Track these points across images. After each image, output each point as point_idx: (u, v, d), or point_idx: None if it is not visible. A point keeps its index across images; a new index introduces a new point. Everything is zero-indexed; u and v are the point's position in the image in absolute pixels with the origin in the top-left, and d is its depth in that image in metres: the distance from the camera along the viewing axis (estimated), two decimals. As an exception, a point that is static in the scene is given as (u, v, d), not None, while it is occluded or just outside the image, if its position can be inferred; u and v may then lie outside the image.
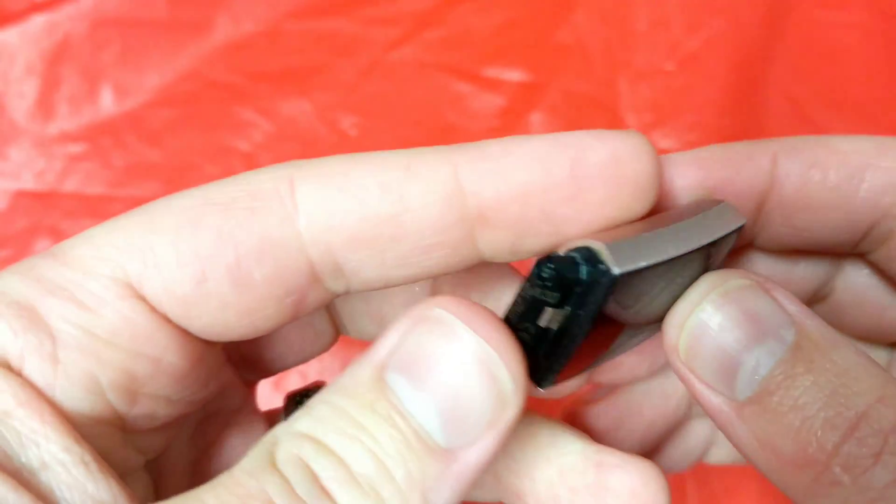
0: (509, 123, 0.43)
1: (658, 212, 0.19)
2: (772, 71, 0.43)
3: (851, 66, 0.42)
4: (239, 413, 0.25)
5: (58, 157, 0.42)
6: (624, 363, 0.24)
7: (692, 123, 0.42)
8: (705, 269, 0.19)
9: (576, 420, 0.26)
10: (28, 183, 0.42)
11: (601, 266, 0.16)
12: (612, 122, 0.43)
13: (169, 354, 0.18)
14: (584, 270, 0.16)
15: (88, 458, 0.17)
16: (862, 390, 0.16)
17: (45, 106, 0.43)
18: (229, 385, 0.24)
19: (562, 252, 0.17)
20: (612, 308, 0.17)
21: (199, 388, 0.20)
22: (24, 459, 0.16)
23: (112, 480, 0.17)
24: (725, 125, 0.42)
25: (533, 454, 0.22)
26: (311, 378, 0.38)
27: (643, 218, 0.18)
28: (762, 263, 0.23)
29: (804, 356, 0.17)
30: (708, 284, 0.18)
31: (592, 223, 0.18)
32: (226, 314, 0.18)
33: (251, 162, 0.42)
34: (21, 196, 0.42)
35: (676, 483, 0.38)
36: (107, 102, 0.43)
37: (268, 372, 0.25)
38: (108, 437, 0.18)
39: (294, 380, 0.37)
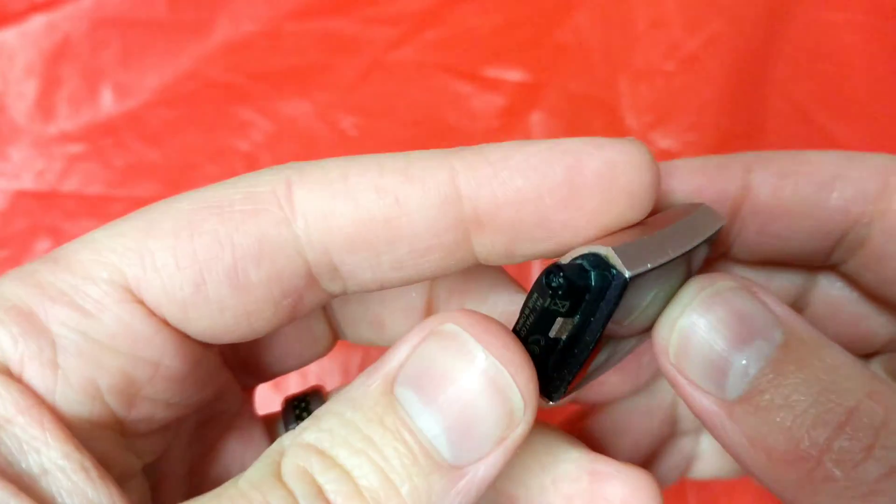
0: (509, 123, 0.43)
1: None
2: (772, 71, 0.43)
3: (852, 66, 0.42)
4: (237, 417, 0.25)
5: (58, 157, 0.42)
6: (607, 382, 0.25)
7: (692, 123, 0.42)
8: (688, 273, 0.19)
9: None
10: (28, 183, 0.42)
11: (612, 270, 0.16)
12: (612, 122, 0.43)
13: (167, 358, 0.19)
14: (594, 276, 0.16)
15: (88, 463, 0.17)
16: (851, 387, 0.17)
17: (45, 106, 0.43)
18: (227, 389, 0.24)
19: (567, 260, 0.17)
20: (619, 313, 0.17)
21: (196, 391, 0.21)
22: (24, 466, 0.16)
23: (111, 486, 0.17)
24: (725, 125, 0.42)
25: (528, 461, 0.22)
26: (312, 381, 0.38)
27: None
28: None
29: (793, 355, 0.17)
30: (696, 287, 0.18)
31: (588, 230, 0.18)
32: (224, 316, 0.18)
33: (251, 162, 0.42)
34: (21, 196, 0.42)
35: (676, 484, 0.38)
36: (107, 102, 0.43)
37: (266, 376, 0.26)
38: (106, 441, 0.18)
39: (295, 383, 0.37)
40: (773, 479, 0.17)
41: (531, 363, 0.17)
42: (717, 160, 0.22)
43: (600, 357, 0.19)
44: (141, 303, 0.18)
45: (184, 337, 0.19)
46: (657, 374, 0.26)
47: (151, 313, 0.18)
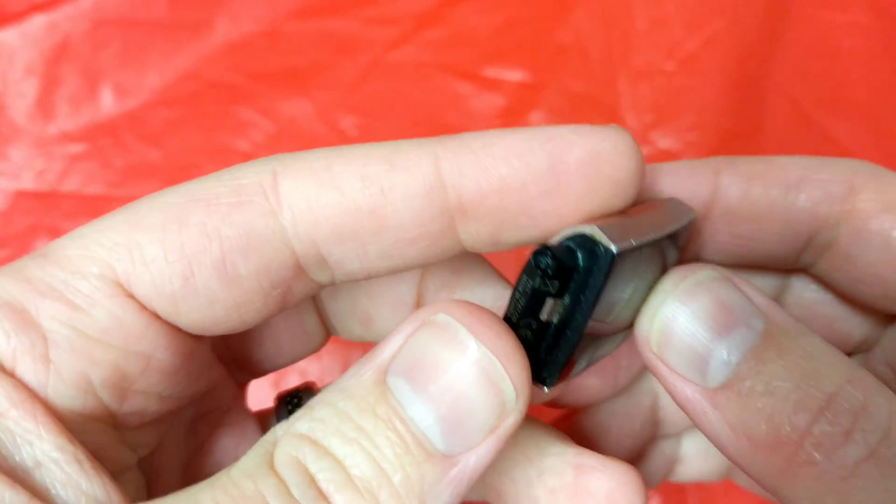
0: (509, 123, 0.43)
1: None
2: (772, 71, 0.43)
3: (851, 66, 0.42)
4: (231, 413, 0.25)
5: (58, 157, 0.42)
6: (586, 385, 0.25)
7: (692, 123, 0.42)
8: (664, 269, 0.19)
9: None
10: (28, 183, 0.42)
11: (600, 247, 0.16)
12: (612, 121, 0.43)
13: (159, 351, 0.19)
14: (582, 253, 0.17)
15: (81, 455, 0.17)
16: (831, 373, 0.17)
17: (45, 106, 0.43)
18: (220, 385, 0.24)
19: (556, 240, 0.17)
20: (605, 297, 0.17)
21: (188, 384, 0.21)
22: (18, 458, 0.16)
23: (105, 477, 0.17)
24: (725, 125, 0.42)
25: (514, 454, 0.22)
26: (312, 378, 0.38)
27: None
28: None
29: (774, 343, 0.17)
30: (677, 277, 0.19)
31: (572, 217, 0.18)
32: (214, 308, 0.18)
33: (251, 162, 0.42)
34: (21, 196, 0.42)
35: (676, 485, 0.38)
36: (107, 102, 0.43)
37: (259, 372, 0.26)
38: (100, 435, 0.18)
39: (295, 381, 0.37)
40: (756, 466, 0.18)
41: (523, 353, 0.17)
42: (687, 164, 0.22)
43: (591, 351, 0.19)
44: (131, 297, 0.18)
45: (175, 330, 0.19)
46: (637, 376, 0.26)
47: (142, 307, 0.18)
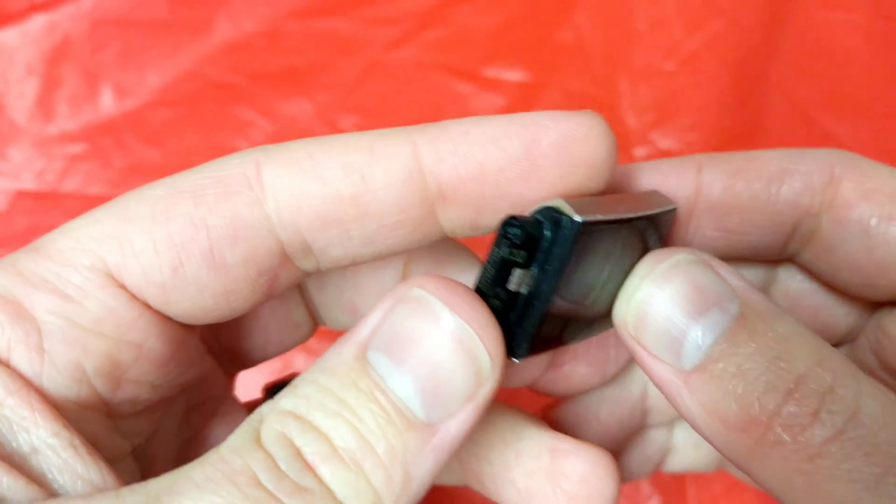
0: (509, 123, 0.43)
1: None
2: (772, 71, 0.43)
3: (851, 66, 0.42)
4: (223, 403, 0.26)
5: (58, 157, 0.42)
6: (575, 373, 0.25)
7: (692, 123, 0.42)
8: (644, 254, 0.20)
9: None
10: (28, 183, 0.42)
11: (564, 218, 0.17)
12: (613, 121, 0.43)
13: (150, 340, 0.19)
14: (548, 224, 0.17)
15: (77, 441, 0.18)
16: (801, 355, 0.17)
17: (45, 106, 0.43)
18: (211, 375, 0.25)
19: (526, 214, 0.18)
20: (574, 274, 0.18)
21: (180, 373, 0.21)
22: (15, 445, 0.17)
23: (100, 462, 0.18)
24: (725, 125, 0.42)
25: (492, 439, 0.23)
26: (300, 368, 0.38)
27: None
28: None
29: (747, 325, 0.18)
30: (653, 260, 0.19)
31: (547, 199, 0.18)
32: (202, 297, 0.19)
33: (251, 162, 0.42)
34: (21, 196, 0.42)
35: (676, 483, 0.38)
36: (107, 102, 0.43)
37: (248, 363, 0.26)
38: (94, 423, 0.19)
39: (282, 371, 0.38)
40: (728, 446, 0.18)
41: (496, 322, 0.18)
42: (671, 161, 0.23)
43: (576, 332, 0.20)
44: (122, 287, 0.19)
45: (165, 319, 0.20)
46: (626, 365, 0.26)
47: (133, 297, 0.19)
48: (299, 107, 0.44)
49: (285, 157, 0.19)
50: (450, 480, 0.25)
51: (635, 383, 0.27)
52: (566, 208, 0.17)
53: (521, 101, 0.44)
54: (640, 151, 0.43)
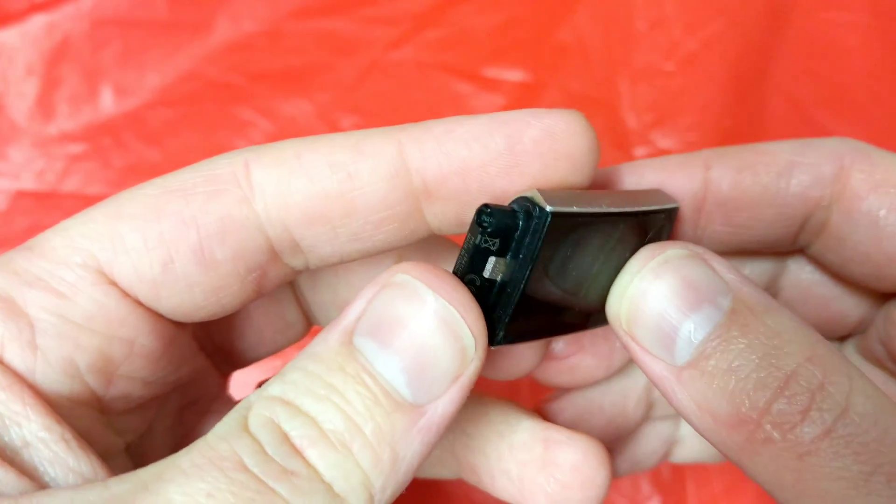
0: (509, 123, 0.43)
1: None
2: (772, 71, 0.43)
3: (851, 66, 0.42)
4: (216, 401, 0.26)
5: (58, 157, 0.42)
6: (581, 366, 0.26)
7: (692, 123, 0.43)
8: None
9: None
10: (28, 183, 0.42)
11: (536, 208, 0.17)
12: (613, 121, 0.43)
13: (142, 337, 0.20)
14: (520, 213, 0.18)
15: (68, 435, 0.18)
16: (792, 351, 0.17)
17: (45, 106, 0.43)
18: (205, 374, 0.25)
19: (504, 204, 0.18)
20: (553, 265, 0.18)
21: (172, 371, 0.22)
22: (7, 439, 0.17)
23: (92, 456, 0.18)
24: (725, 125, 0.43)
25: (486, 431, 0.24)
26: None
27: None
28: None
29: (739, 321, 0.18)
30: (647, 254, 0.19)
31: (525, 191, 0.19)
32: (193, 293, 0.19)
33: (251, 162, 0.42)
34: (21, 196, 0.42)
35: (676, 483, 0.38)
36: (107, 102, 0.43)
37: (242, 362, 0.27)
38: (87, 419, 0.19)
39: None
40: (721, 442, 0.18)
41: (477, 304, 0.18)
42: (677, 158, 0.23)
43: (557, 323, 0.20)
44: (114, 284, 0.19)
45: (157, 316, 0.20)
46: (630, 357, 0.26)
47: (124, 294, 0.19)
48: (299, 107, 0.44)
49: (274, 156, 0.19)
50: (445, 473, 0.25)
51: (640, 376, 0.27)
52: (538, 198, 0.18)
53: (521, 101, 0.44)
54: (640, 151, 0.43)
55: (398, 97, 0.44)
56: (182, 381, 0.23)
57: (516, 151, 0.19)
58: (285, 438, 0.16)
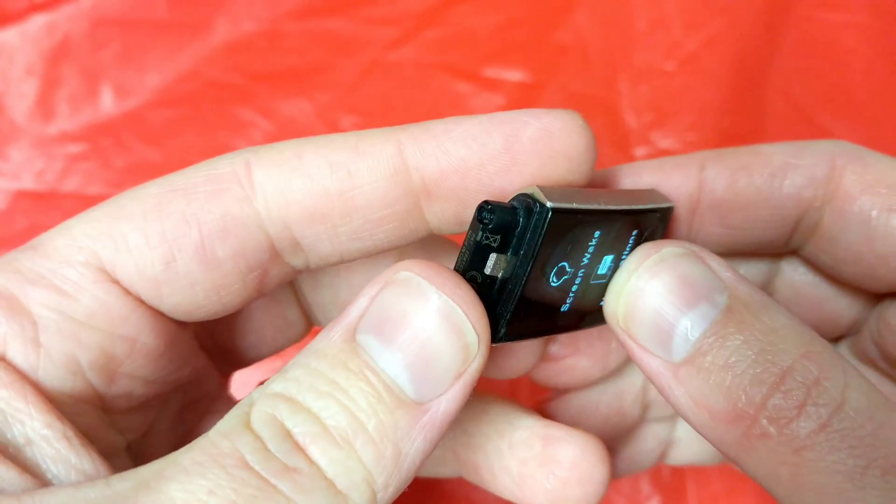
0: (509, 123, 0.43)
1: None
2: (772, 71, 0.43)
3: (851, 66, 0.43)
4: (217, 401, 0.26)
5: (58, 157, 0.42)
6: (577, 367, 0.26)
7: (692, 123, 0.43)
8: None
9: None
10: (28, 183, 0.42)
11: (536, 204, 0.18)
12: (613, 121, 0.43)
13: (144, 335, 0.20)
14: (521, 209, 0.18)
15: (70, 433, 0.18)
16: (788, 347, 0.18)
17: (45, 106, 0.43)
18: (206, 373, 0.25)
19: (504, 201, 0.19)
20: (553, 262, 0.18)
21: (173, 370, 0.22)
22: (9, 436, 0.17)
23: (94, 453, 0.18)
24: (725, 125, 0.43)
25: (486, 430, 0.24)
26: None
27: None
28: None
29: (735, 318, 0.18)
30: (644, 252, 0.20)
31: (525, 188, 0.19)
32: (194, 291, 0.20)
33: (251, 162, 0.42)
34: (21, 196, 0.42)
35: (676, 483, 0.38)
36: (107, 102, 0.43)
37: (243, 362, 0.27)
38: (89, 417, 0.20)
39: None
40: (716, 438, 0.18)
41: (480, 301, 0.18)
42: (673, 159, 0.23)
43: (557, 320, 0.20)
44: (116, 282, 0.19)
45: (158, 314, 0.20)
46: (626, 359, 0.27)
47: (126, 292, 0.19)
48: (299, 107, 0.44)
49: (274, 156, 0.19)
50: (445, 472, 0.26)
51: (636, 376, 0.27)
52: (539, 195, 0.18)
53: (521, 101, 0.44)
54: (640, 151, 0.43)
55: (398, 97, 0.44)
56: (183, 380, 0.23)
57: (514, 150, 0.19)
58: (288, 435, 0.16)
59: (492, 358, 0.22)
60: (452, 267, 0.18)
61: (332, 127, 0.44)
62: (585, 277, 0.20)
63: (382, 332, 0.17)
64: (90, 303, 0.19)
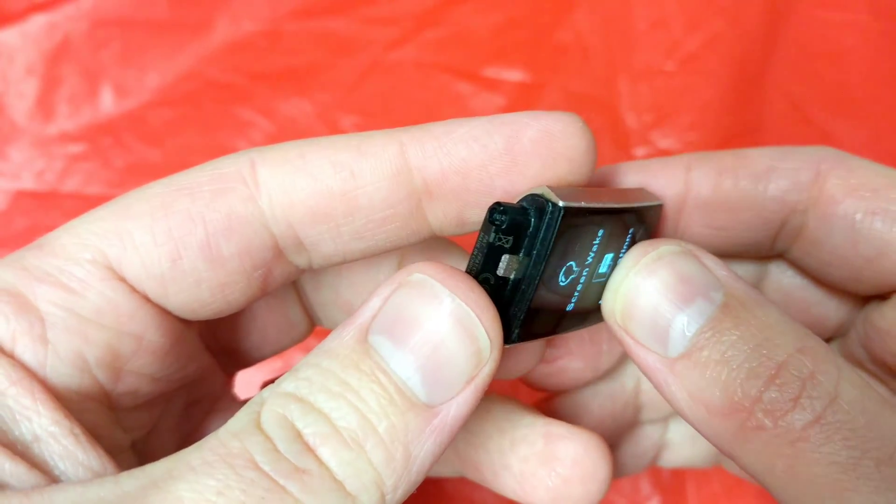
0: (509, 123, 0.43)
1: None
2: (772, 71, 0.43)
3: (851, 66, 0.43)
4: (220, 400, 0.26)
5: (58, 157, 0.42)
6: (569, 368, 0.26)
7: (692, 123, 0.43)
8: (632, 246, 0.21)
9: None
10: (28, 183, 0.42)
11: (549, 203, 0.18)
12: (613, 122, 0.43)
13: (150, 332, 0.20)
14: (532, 209, 0.18)
15: (77, 430, 0.18)
16: (783, 342, 0.18)
17: (45, 106, 0.43)
18: (210, 373, 0.25)
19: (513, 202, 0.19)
20: (562, 261, 0.19)
21: (179, 368, 0.22)
22: (17, 433, 0.18)
23: (101, 451, 0.18)
24: (725, 125, 0.43)
25: (488, 427, 0.24)
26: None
27: None
28: None
29: (731, 314, 0.18)
30: (641, 251, 0.20)
31: (534, 188, 0.19)
32: (200, 289, 0.20)
33: (251, 162, 0.42)
34: (21, 196, 0.42)
35: (676, 483, 0.38)
36: (107, 102, 0.43)
37: (246, 362, 0.27)
38: (96, 414, 0.20)
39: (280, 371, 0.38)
40: (712, 432, 0.19)
41: (493, 305, 0.18)
42: (660, 161, 0.24)
43: (561, 320, 0.21)
44: (122, 280, 0.19)
45: (164, 312, 0.20)
46: (619, 360, 0.27)
47: (132, 290, 0.20)
48: (299, 107, 0.44)
49: (278, 156, 0.20)
50: (446, 472, 0.26)
51: (628, 378, 0.28)
52: (550, 194, 0.18)
53: (521, 101, 0.44)
54: (640, 151, 0.43)
55: (398, 97, 0.44)
56: (188, 379, 0.23)
57: (515, 151, 0.19)
58: (298, 436, 0.16)
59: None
60: (464, 269, 0.18)
61: (333, 127, 0.44)
62: (589, 276, 0.20)
63: (395, 334, 0.17)
64: (97, 300, 0.19)
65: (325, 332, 0.27)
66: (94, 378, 0.19)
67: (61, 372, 0.19)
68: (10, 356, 0.18)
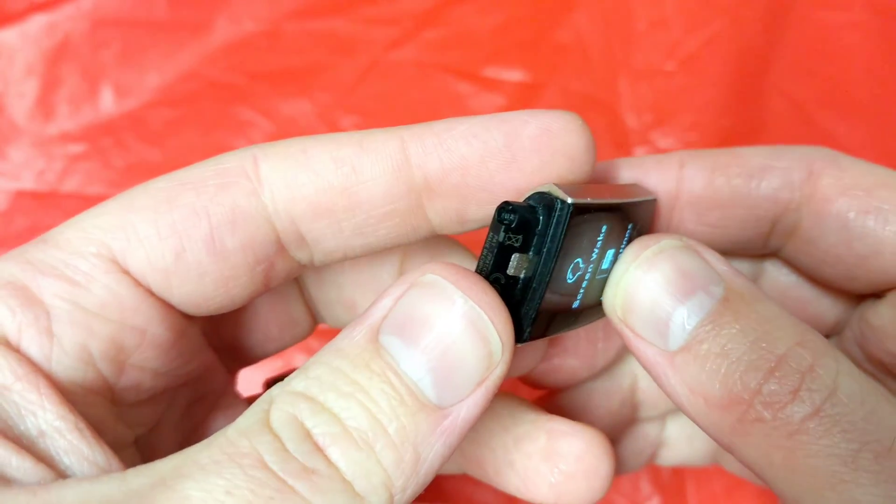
0: (509, 123, 0.43)
1: None
2: (772, 71, 0.43)
3: (851, 66, 0.43)
4: (223, 398, 0.26)
5: (58, 157, 0.43)
6: (565, 366, 0.26)
7: (692, 123, 0.43)
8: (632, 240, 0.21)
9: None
10: (28, 183, 0.42)
11: (557, 201, 0.18)
12: (613, 122, 0.43)
13: (153, 326, 0.20)
14: (541, 207, 0.18)
15: (82, 425, 0.18)
16: (782, 336, 0.18)
17: (45, 106, 0.43)
18: (212, 370, 0.25)
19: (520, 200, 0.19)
20: (570, 258, 0.19)
21: (182, 364, 0.22)
22: (23, 428, 0.18)
23: (105, 446, 0.19)
24: (725, 125, 0.43)
25: (490, 424, 0.24)
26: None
27: None
28: None
29: (731, 307, 0.19)
30: (641, 245, 0.20)
31: (528, 191, 0.19)
32: (203, 283, 0.20)
33: (251, 162, 0.42)
34: (21, 196, 0.42)
35: (676, 483, 0.38)
36: (107, 102, 0.43)
37: (249, 359, 0.27)
38: (99, 408, 0.20)
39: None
40: (711, 425, 0.19)
41: (506, 307, 0.18)
42: (654, 157, 0.24)
43: (567, 317, 0.21)
44: (127, 273, 0.20)
45: (168, 307, 0.21)
46: (615, 358, 0.27)
47: (137, 283, 0.20)
48: (299, 107, 0.44)
49: (280, 152, 0.20)
50: (449, 469, 0.26)
51: (625, 376, 0.28)
52: (558, 192, 0.18)
53: (521, 101, 0.44)
54: (640, 151, 0.43)
55: (398, 97, 0.44)
56: (191, 375, 0.23)
57: (514, 148, 0.19)
58: (307, 435, 0.16)
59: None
60: (472, 268, 0.19)
61: (333, 127, 0.44)
62: (593, 273, 0.20)
63: (406, 334, 0.17)
64: (102, 293, 0.19)
65: (327, 331, 0.27)
66: (98, 372, 0.20)
67: (66, 365, 0.19)
68: (17, 350, 0.18)
